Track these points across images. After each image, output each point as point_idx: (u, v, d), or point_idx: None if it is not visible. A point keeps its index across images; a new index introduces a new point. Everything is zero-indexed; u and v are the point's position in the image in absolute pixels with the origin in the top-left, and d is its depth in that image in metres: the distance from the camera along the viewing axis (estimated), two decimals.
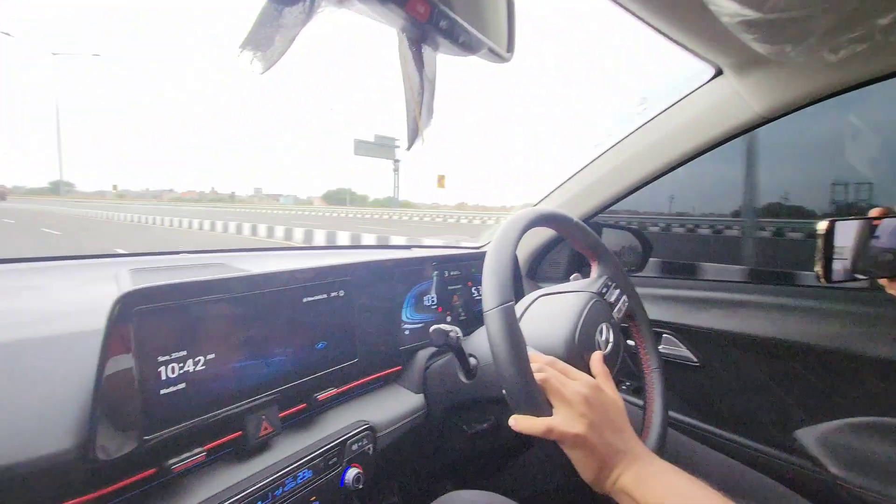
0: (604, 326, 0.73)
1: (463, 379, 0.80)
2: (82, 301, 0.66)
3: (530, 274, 1.33)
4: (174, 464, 0.53)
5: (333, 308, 0.75)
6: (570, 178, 1.18)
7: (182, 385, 0.54)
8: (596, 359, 0.66)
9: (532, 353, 0.61)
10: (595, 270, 0.83)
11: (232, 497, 0.55)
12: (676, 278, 1.27)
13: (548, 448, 0.57)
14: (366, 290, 0.82)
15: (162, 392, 0.52)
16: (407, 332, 0.91)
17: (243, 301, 0.62)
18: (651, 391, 0.78)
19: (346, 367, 0.76)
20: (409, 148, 0.72)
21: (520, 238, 0.67)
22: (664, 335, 1.11)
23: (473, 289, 1.08)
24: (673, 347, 1.10)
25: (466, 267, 1.07)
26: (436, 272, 0.99)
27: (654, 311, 1.10)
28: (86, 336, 0.54)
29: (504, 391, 0.58)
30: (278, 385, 0.65)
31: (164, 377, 0.53)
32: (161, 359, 0.52)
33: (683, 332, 1.09)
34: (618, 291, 0.80)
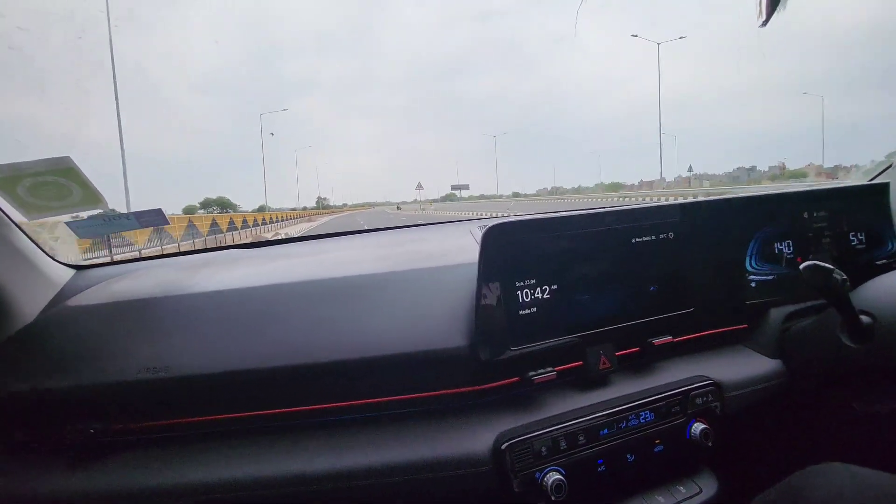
0: None
1: (848, 342, 0.63)
2: (450, 247, 0.84)
3: None
4: (533, 375, 0.61)
5: (663, 250, 0.70)
6: None
7: (534, 309, 0.62)
8: None
9: None
10: None
11: (580, 417, 0.61)
12: None
13: None
14: (697, 233, 0.72)
15: (521, 312, 0.61)
16: (753, 285, 0.76)
17: (577, 238, 0.65)
18: None
19: (680, 316, 0.70)
20: (764, 23, 0.60)
21: None
22: None
23: (853, 235, 0.80)
24: None
25: (844, 206, 0.80)
26: (793, 213, 0.78)
27: None
28: (461, 266, 0.69)
29: None
30: (613, 322, 0.67)
31: (520, 300, 0.61)
32: (518, 283, 0.61)
33: None
34: None
